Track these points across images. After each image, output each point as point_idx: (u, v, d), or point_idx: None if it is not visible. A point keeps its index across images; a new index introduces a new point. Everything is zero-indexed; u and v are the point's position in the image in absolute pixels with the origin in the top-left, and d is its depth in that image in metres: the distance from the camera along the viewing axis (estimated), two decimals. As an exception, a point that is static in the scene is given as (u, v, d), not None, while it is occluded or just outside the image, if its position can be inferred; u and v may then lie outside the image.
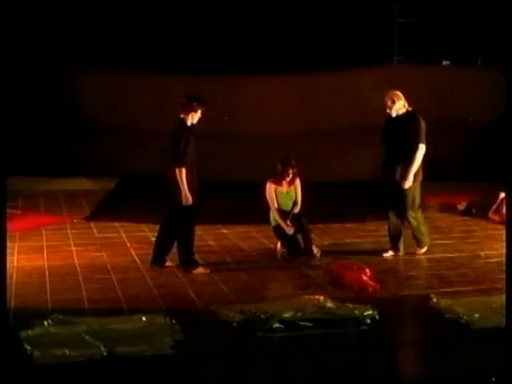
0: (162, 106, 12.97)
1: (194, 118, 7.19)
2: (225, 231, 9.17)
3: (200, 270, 7.28)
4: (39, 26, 12.52)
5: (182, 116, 7.18)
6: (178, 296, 6.54)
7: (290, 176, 7.81)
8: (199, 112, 7.19)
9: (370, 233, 8.50)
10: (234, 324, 5.67)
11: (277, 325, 5.58)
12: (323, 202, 9.76)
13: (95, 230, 9.21)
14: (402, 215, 7.78)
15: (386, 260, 7.78)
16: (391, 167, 7.71)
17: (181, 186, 7.03)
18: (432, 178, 12.23)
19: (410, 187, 7.61)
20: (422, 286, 6.88)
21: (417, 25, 13.88)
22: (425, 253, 8.06)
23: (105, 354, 5.06)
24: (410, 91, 13.16)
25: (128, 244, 8.48)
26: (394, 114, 7.66)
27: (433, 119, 12.94)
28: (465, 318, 5.78)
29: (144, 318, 5.70)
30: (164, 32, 13.07)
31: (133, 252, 8.11)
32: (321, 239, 8.72)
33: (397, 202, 7.73)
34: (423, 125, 7.64)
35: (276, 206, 7.86)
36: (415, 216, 7.81)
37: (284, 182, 7.86)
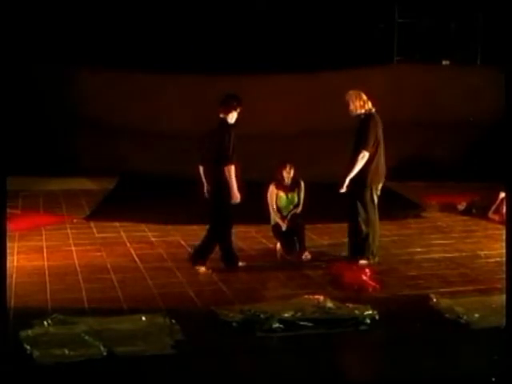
0: (161, 106, 13.01)
1: (233, 117, 7.18)
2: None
3: (202, 269, 7.30)
4: (38, 26, 12.51)
5: (221, 115, 7.17)
6: (178, 296, 6.53)
7: (287, 180, 7.81)
8: (238, 111, 7.19)
9: (370, 233, 8.49)
10: (234, 324, 5.67)
11: (276, 325, 5.59)
12: (323, 202, 9.73)
13: (95, 230, 9.20)
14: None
15: (385, 260, 7.77)
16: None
17: (230, 184, 7.03)
18: (432, 177, 12.38)
19: (364, 190, 7.39)
20: (422, 285, 6.87)
21: (417, 25, 13.89)
22: (425, 253, 8.07)
23: (105, 353, 5.06)
24: (410, 91, 13.28)
25: (128, 244, 8.48)
26: (352, 115, 7.45)
27: (433, 119, 13.09)
28: (465, 317, 5.78)
29: (144, 318, 5.70)
30: (164, 32, 13.06)
31: (132, 252, 8.11)
32: (321, 239, 8.73)
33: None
34: (374, 129, 7.34)
35: (275, 208, 7.86)
36: (361, 221, 7.49)
37: (286, 187, 7.86)
